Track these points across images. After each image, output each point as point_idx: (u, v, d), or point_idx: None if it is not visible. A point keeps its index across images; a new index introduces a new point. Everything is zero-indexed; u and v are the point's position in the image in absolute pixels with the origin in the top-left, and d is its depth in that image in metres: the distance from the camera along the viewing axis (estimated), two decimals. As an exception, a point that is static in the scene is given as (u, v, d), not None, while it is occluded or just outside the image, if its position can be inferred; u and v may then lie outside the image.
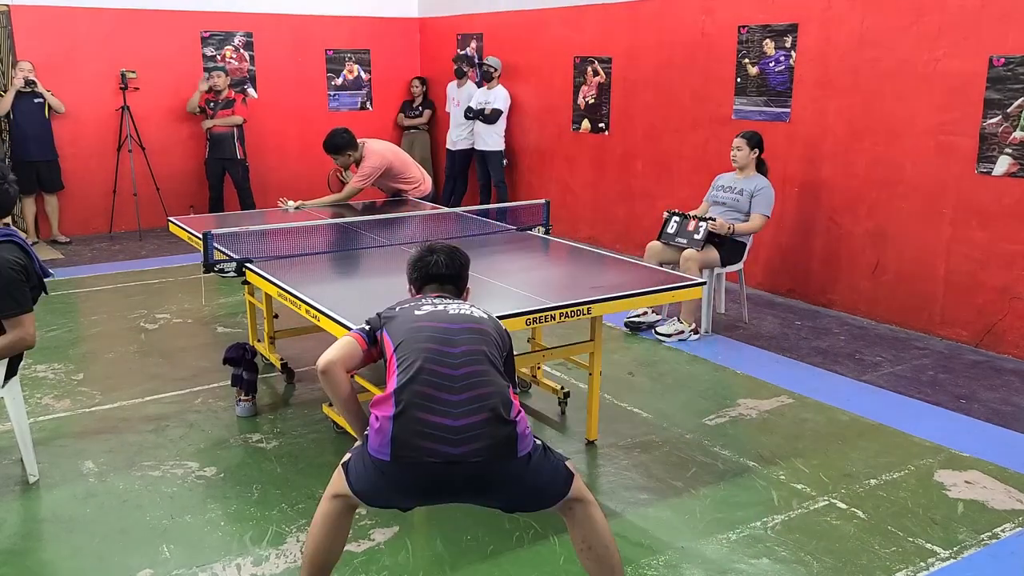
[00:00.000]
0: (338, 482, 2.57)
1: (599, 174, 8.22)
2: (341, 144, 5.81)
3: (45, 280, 3.57)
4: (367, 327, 2.69)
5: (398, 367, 2.47)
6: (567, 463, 2.57)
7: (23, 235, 3.68)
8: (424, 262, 2.84)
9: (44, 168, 8.30)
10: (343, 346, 2.69)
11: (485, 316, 2.64)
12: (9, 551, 3.14)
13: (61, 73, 8.48)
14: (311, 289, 3.74)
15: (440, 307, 2.62)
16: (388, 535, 3.24)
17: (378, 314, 2.69)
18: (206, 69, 9.01)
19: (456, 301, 2.71)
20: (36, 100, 8.14)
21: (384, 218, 5.35)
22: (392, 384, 2.46)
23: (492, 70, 8.80)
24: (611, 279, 4.08)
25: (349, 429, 3.96)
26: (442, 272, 2.82)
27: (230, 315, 6.08)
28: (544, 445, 2.54)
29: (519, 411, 2.46)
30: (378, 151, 5.89)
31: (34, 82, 8.05)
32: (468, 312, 2.62)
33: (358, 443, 2.64)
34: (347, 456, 2.62)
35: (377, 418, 2.45)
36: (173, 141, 9.17)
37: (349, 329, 3.19)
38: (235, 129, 8.82)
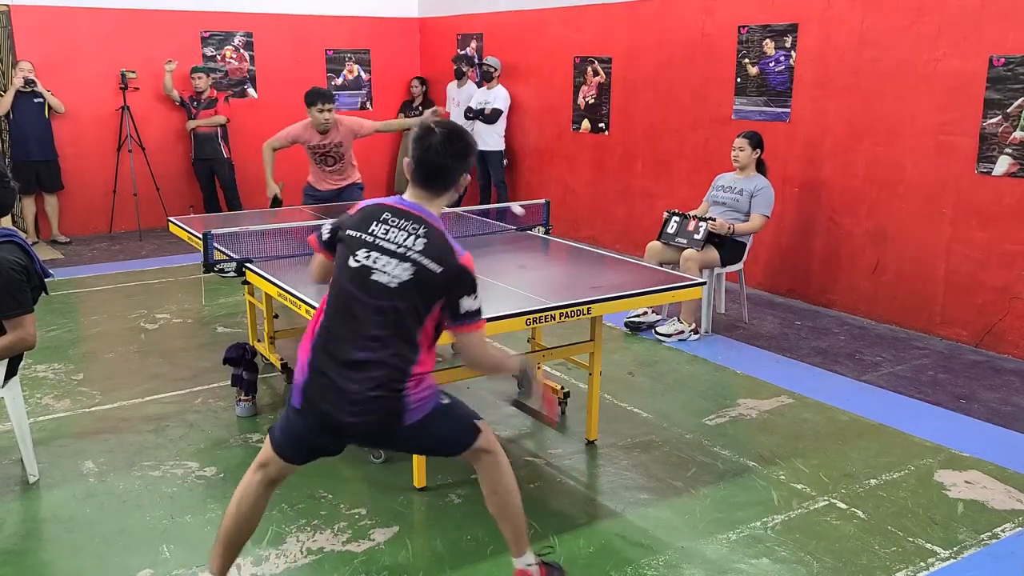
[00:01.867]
0: (264, 450, 2.69)
1: (599, 174, 8.22)
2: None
3: (45, 280, 3.57)
4: (327, 231, 2.69)
5: (324, 310, 2.60)
6: (476, 421, 2.71)
7: (23, 235, 3.68)
8: (419, 144, 2.58)
9: (44, 168, 8.30)
10: (313, 261, 2.82)
11: (407, 275, 2.48)
12: (9, 551, 3.14)
13: (61, 73, 8.48)
14: (311, 289, 3.74)
15: (370, 259, 2.51)
16: (388, 535, 3.24)
17: (335, 227, 2.66)
18: (194, 70, 8.97)
19: (392, 241, 2.52)
20: (36, 100, 8.14)
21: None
22: (308, 336, 2.59)
23: (492, 70, 8.81)
24: (611, 279, 4.08)
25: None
26: (429, 163, 2.57)
27: (230, 315, 6.08)
28: (449, 404, 2.66)
29: (418, 377, 2.53)
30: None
31: (34, 82, 8.05)
32: (389, 276, 2.48)
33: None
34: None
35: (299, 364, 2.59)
36: (173, 141, 9.17)
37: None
38: (219, 129, 8.82)
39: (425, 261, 2.48)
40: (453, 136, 2.57)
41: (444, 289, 2.49)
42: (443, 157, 2.55)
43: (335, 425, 2.51)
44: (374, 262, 2.50)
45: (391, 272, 2.48)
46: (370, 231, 2.54)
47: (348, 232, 2.57)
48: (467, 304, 2.52)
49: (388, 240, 2.51)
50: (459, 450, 2.70)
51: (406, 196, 2.63)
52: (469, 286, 2.53)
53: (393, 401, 2.50)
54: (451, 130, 2.59)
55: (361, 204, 2.65)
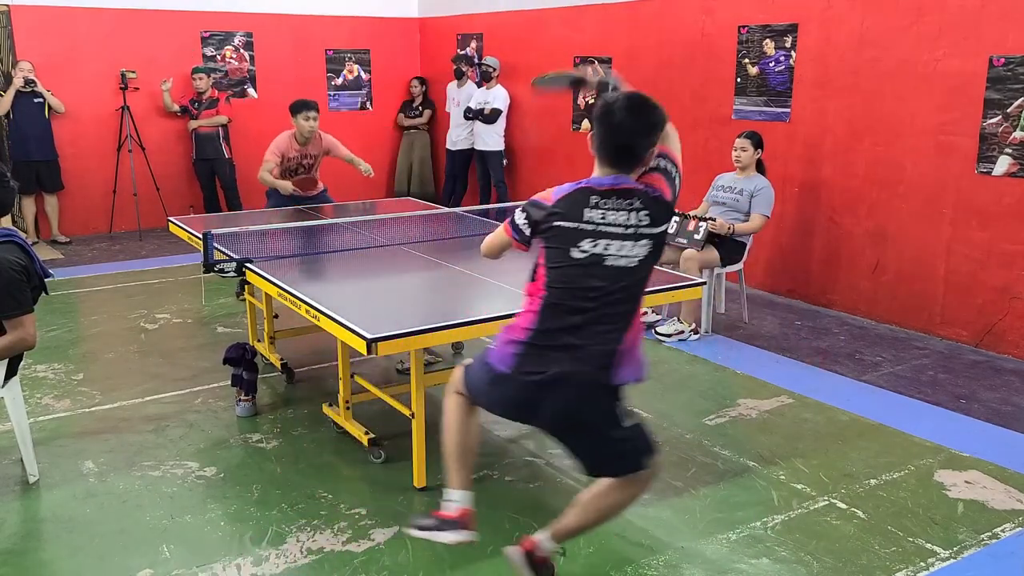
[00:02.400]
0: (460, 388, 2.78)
1: (599, 174, 8.21)
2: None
3: (45, 280, 3.57)
4: (524, 228, 2.62)
5: (542, 304, 2.55)
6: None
7: (23, 235, 3.68)
8: (604, 122, 2.51)
9: (44, 168, 8.30)
10: (501, 247, 2.81)
11: (646, 251, 2.52)
12: (9, 551, 3.14)
13: (61, 73, 8.48)
14: (311, 289, 3.75)
15: (599, 246, 2.47)
16: (388, 535, 3.24)
17: (535, 211, 2.57)
18: (195, 71, 8.97)
19: (617, 223, 2.48)
20: (36, 100, 8.15)
21: (384, 218, 5.35)
22: (531, 322, 2.56)
23: (491, 70, 8.80)
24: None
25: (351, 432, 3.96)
26: (620, 142, 2.50)
27: (230, 315, 6.08)
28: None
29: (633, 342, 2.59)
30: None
31: (34, 82, 8.05)
32: (628, 258, 2.49)
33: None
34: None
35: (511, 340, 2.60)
36: (173, 141, 9.17)
37: (351, 331, 3.19)
38: (220, 129, 8.82)
39: (656, 229, 2.51)
40: (637, 111, 2.48)
41: (664, 236, 2.58)
42: (630, 136, 2.49)
43: (535, 393, 2.53)
44: (605, 249, 2.47)
45: (628, 253, 2.49)
46: (586, 219, 2.48)
47: (560, 224, 2.50)
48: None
49: (611, 224, 2.47)
50: (628, 470, 2.69)
51: (596, 175, 2.56)
52: (671, 216, 2.61)
53: (605, 376, 2.53)
54: (634, 104, 2.49)
55: (556, 191, 2.56)
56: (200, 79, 8.79)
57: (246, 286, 4.53)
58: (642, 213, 2.49)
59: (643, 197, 2.51)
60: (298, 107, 5.97)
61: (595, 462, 2.68)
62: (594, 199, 2.49)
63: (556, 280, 2.51)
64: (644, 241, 2.49)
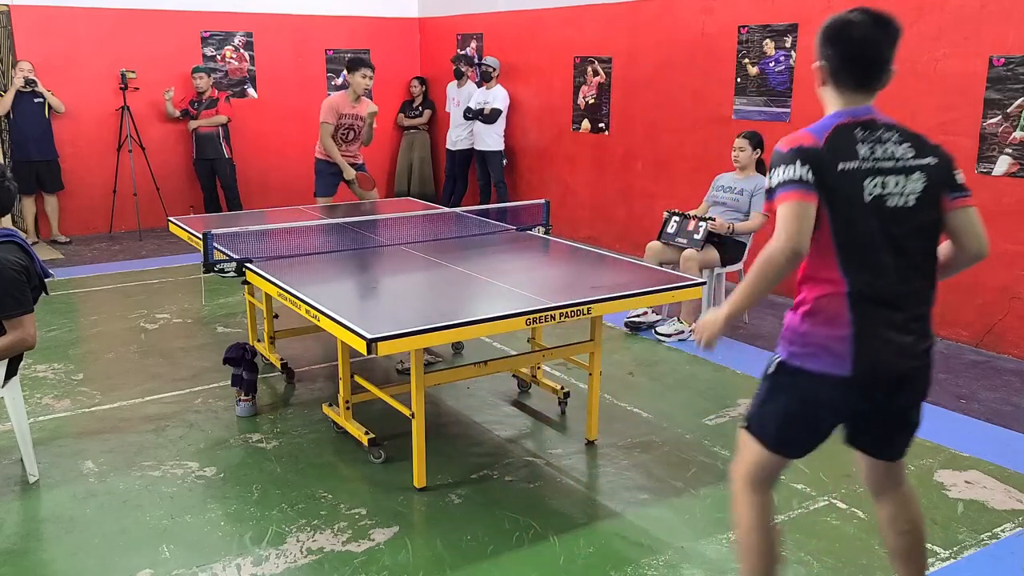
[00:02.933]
0: (752, 454, 2.35)
1: (599, 174, 8.22)
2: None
3: (45, 280, 3.57)
4: (808, 177, 2.14)
5: (841, 266, 2.18)
6: None
7: (23, 235, 3.68)
8: (845, 37, 2.24)
9: (44, 168, 8.30)
10: (807, 218, 2.14)
11: (921, 185, 2.21)
12: (9, 551, 3.14)
13: (61, 73, 8.48)
14: (311, 289, 3.75)
15: (878, 185, 2.17)
16: (388, 535, 3.24)
17: (807, 157, 2.16)
18: (195, 70, 8.97)
19: (888, 157, 2.22)
20: (36, 100, 8.15)
21: (384, 218, 5.35)
22: (837, 290, 2.18)
23: (491, 70, 8.80)
24: (611, 279, 4.08)
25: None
26: (864, 58, 2.25)
27: (230, 315, 6.08)
28: None
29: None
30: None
31: (34, 81, 8.05)
32: (904, 197, 2.19)
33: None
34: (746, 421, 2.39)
35: (820, 335, 2.21)
36: (173, 141, 9.17)
37: (351, 331, 3.18)
38: (220, 129, 8.83)
39: (926, 161, 2.24)
40: (883, 21, 2.26)
41: (944, 176, 2.25)
42: (880, 48, 2.25)
43: (897, 379, 2.23)
44: (883, 187, 2.17)
45: (906, 191, 2.19)
46: (861, 157, 2.18)
47: (842, 167, 2.15)
48: (960, 177, 2.29)
49: (884, 159, 2.20)
50: (913, 433, 2.44)
51: (845, 107, 2.27)
52: (953, 163, 2.31)
53: (929, 336, 2.28)
54: (877, 15, 2.25)
55: (814, 132, 2.23)
56: (200, 79, 8.79)
57: (243, 286, 4.54)
58: (906, 146, 2.25)
59: (904, 130, 2.28)
60: (356, 63, 6.27)
61: (901, 442, 2.46)
62: (858, 132, 2.22)
63: (849, 236, 2.16)
64: (918, 175, 2.21)
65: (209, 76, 8.90)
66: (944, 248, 2.33)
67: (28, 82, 8.00)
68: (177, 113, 8.89)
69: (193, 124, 8.82)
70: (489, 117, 8.73)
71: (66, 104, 8.39)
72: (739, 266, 5.78)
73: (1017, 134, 5.10)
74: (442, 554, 3.12)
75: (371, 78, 6.29)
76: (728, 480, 3.67)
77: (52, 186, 8.42)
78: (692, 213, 5.68)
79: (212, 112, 8.79)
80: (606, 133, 8.09)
